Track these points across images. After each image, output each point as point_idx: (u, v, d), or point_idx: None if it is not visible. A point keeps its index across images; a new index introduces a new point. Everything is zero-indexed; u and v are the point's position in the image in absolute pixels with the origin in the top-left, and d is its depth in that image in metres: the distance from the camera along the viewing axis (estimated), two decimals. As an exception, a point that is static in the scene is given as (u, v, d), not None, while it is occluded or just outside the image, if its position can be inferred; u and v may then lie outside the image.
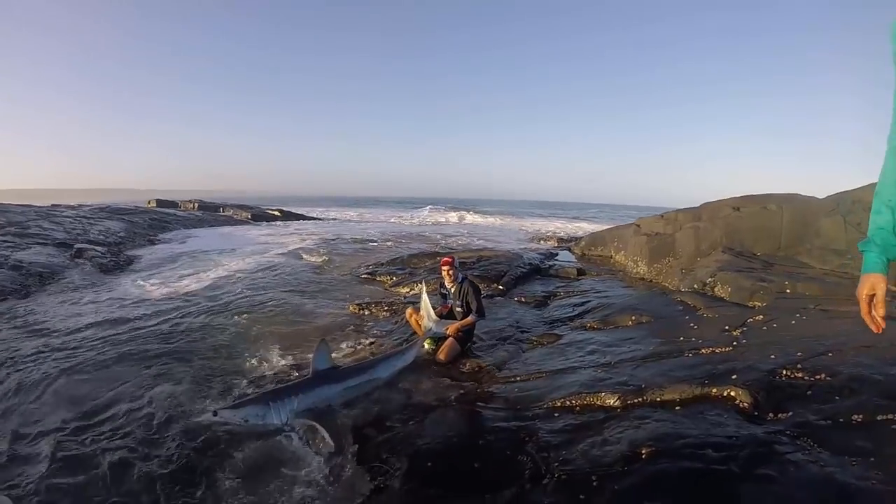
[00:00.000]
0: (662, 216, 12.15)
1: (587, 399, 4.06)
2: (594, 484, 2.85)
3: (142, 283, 10.27)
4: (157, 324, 7.11)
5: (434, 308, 6.07)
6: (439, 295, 6.30)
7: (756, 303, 6.75)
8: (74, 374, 5.19)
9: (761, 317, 5.71)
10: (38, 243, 12.27)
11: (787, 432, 3.19)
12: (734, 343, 4.86)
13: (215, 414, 4.05)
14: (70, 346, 6.11)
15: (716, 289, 7.70)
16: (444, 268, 6.07)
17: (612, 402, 3.96)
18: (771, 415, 3.46)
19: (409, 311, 6.51)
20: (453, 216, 39.46)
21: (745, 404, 3.60)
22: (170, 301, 8.58)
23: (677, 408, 3.75)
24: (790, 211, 9.78)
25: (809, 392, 3.64)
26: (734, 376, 3.95)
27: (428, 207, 50.09)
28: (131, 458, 3.64)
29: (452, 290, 6.08)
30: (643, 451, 3.08)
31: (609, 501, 2.67)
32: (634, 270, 11.02)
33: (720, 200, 11.17)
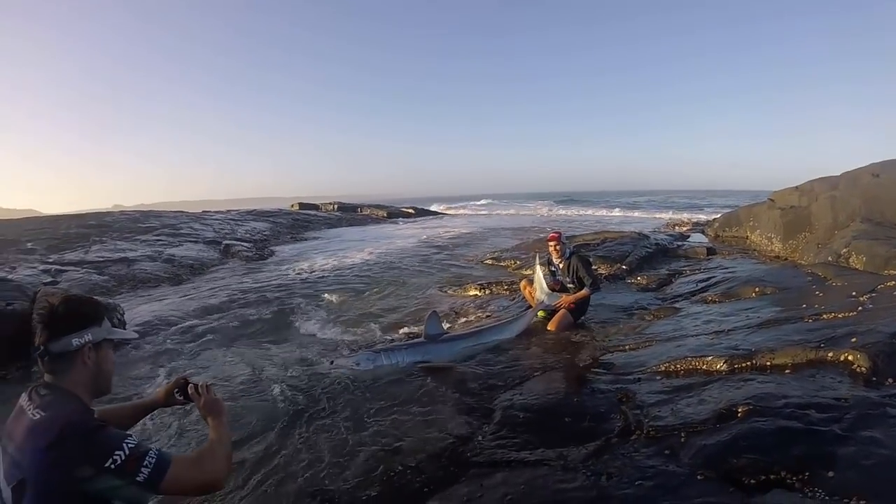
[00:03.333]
0: (797, 188, 11.08)
1: (692, 363, 3.96)
2: (681, 439, 2.83)
3: (284, 267, 11.59)
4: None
5: (546, 283, 6.12)
6: (548, 271, 6.31)
7: (891, 270, 6.08)
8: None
9: (894, 283, 5.16)
10: (190, 241, 14.01)
11: (906, 396, 2.98)
12: (859, 308, 4.46)
13: (332, 363, 4.77)
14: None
15: (850, 259, 7.00)
16: (551, 243, 6.07)
17: (718, 366, 3.83)
18: (891, 380, 3.20)
19: (523, 282, 6.62)
20: (581, 210, 38.22)
21: (863, 368, 3.34)
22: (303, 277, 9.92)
23: (787, 371, 3.57)
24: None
25: (940, 356, 3.33)
26: (853, 339, 3.66)
27: (546, 203, 49.21)
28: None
29: (561, 265, 6.08)
30: (739, 410, 2.99)
31: (695, 456, 2.65)
32: (768, 248, 10.21)
33: (859, 168, 10.04)
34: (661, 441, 2.89)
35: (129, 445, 1.47)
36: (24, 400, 1.57)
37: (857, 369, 3.36)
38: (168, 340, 6.25)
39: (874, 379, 3.24)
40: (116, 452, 1.44)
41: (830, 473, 2.42)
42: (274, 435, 3.72)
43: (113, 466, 1.43)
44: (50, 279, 9.08)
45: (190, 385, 1.92)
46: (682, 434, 2.90)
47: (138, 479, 1.45)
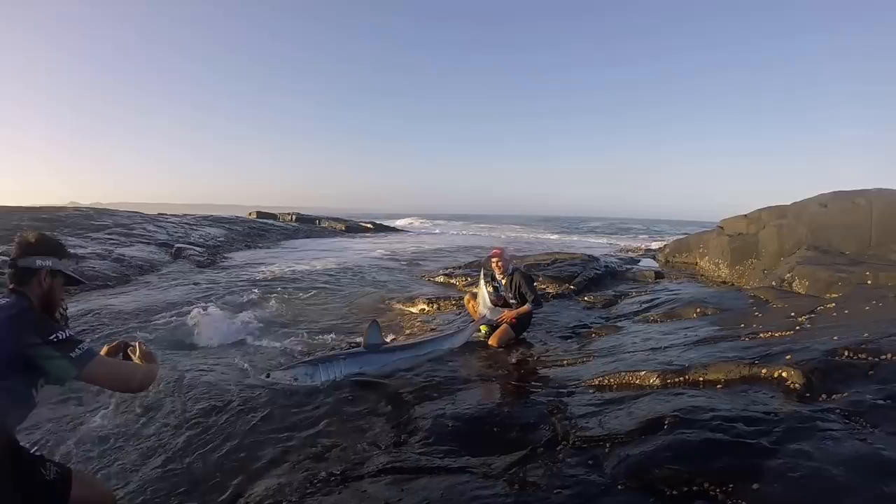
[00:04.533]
0: (746, 216, 11.42)
1: (625, 378, 3.91)
2: (606, 449, 2.75)
3: (232, 272, 11.39)
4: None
5: (489, 298, 6.06)
6: (492, 287, 6.24)
7: (833, 294, 6.23)
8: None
9: (833, 305, 5.27)
10: (142, 242, 13.58)
11: (838, 410, 2.92)
12: (797, 328, 4.52)
13: (268, 376, 4.51)
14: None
15: (794, 284, 7.21)
16: (494, 259, 6.02)
17: (651, 380, 3.78)
18: (824, 396, 3.18)
19: (467, 297, 6.56)
20: (546, 235, 38.25)
21: (796, 385, 3.30)
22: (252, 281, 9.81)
23: (719, 387, 3.54)
24: (881, 205, 8.90)
25: (871, 372, 3.32)
26: (788, 356, 3.66)
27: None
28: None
29: (503, 282, 6.03)
30: (665, 422, 2.93)
31: (618, 466, 2.58)
32: (716, 273, 10.44)
33: (807, 199, 10.39)
34: (585, 451, 2.81)
35: (69, 333, 1.94)
36: None
37: (791, 385, 3.33)
38: (101, 341, 5.93)
39: (807, 395, 3.21)
40: (60, 332, 1.89)
41: (755, 485, 2.35)
42: (190, 440, 3.60)
43: (55, 340, 1.85)
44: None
45: (130, 347, 2.31)
46: (607, 445, 2.83)
47: (71, 355, 1.85)
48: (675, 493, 2.40)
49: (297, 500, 2.71)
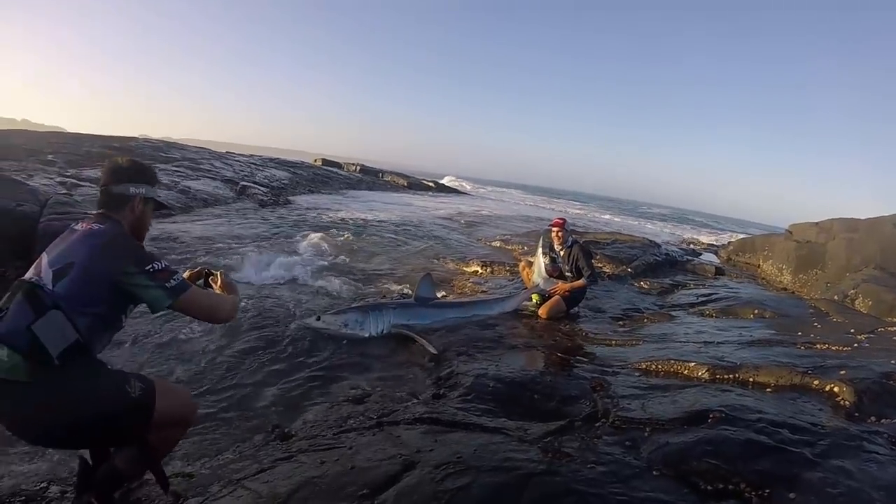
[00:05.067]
0: (817, 224, 10.86)
1: (673, 366, 3.88)
2: (645, 433, 2.75)
3: (296, 213, 11.80)
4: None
5: (545, 268, 6.03)
6: (549, 258, 6.19)
7: (895, 318, 5.94)
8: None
9: (895, 329, 5.03)
10: (208, 177, 13.95)
11: (885, 435, 2.85)
12: (854, 345, 4.36)
13: (318, 318, 4.60)
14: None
15: (856, 301, 6.93)
16: (554, 229, 5.92)
17: (699, 373, 3.75)
18: (873, 418, 3.08)
19: (522, 263, 6.57)
20: (605, 215, 37.20)
21: (847, 401, 3.22)
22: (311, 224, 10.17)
23: (768, 390, 3.49)
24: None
25: (928, 400, 3.21)
26: (843, 372, 3.56)
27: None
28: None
29: (562, 253, 5.95)
30: (710, 416, 2.90)
31: (656, 451, 2.57)
32: (778, 278, 10.03)
33: (881, 216, 9.79)
34: (624, 432, 2.81)
35: (166, 263, 1.94)
36: (75, 224, 1.97)
37: (841, 401, 3.25)
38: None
39: (856, 414, 3.13)
40: (157, 262, 1.90)
41: (792, 495, 2.32)
42: (240, 377, 3.83)
43: (151, 270, 1.87)
44: (64, 191, 9.11)
45: (211, 276, 2.36)
46: (647, 429, 2.82)
47: (167, 284, 1.88)
48: (709, 488, 2.39)
49: (331, 437, 2.80)
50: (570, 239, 5.99)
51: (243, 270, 6.29)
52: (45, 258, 1.85)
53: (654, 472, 2.43)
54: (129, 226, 2.03)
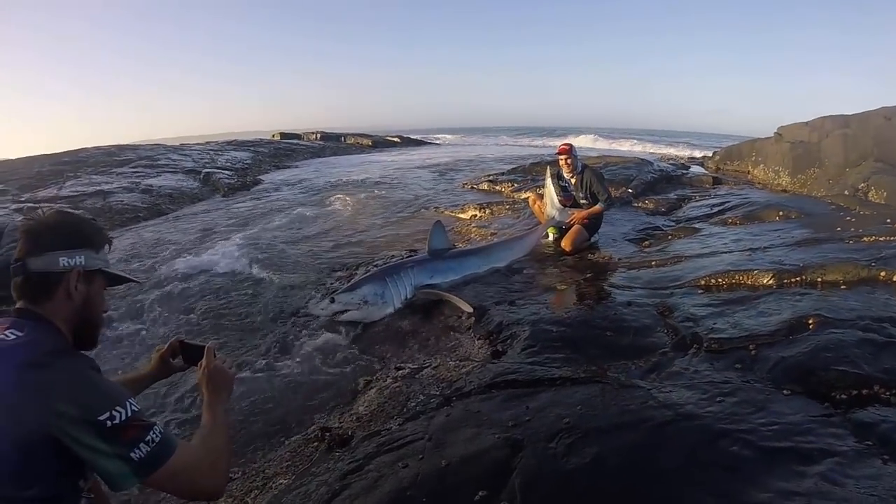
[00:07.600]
0: (807, 123, 10.73)
1: (736, 277, 3.62)
2: (752, 352, 2.47)
3: (267, 192, 11.25)
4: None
5: (558, 198, 5.57)
6: (559, 187, 5.70)
7: (918, 206, 5.82)
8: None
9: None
10: (168, 171, 13.15)
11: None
12: (899, 233, 4.18)
13: (332, 301, 3.96)
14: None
15: (869, 193, 6.74)
16: (562, 157, 5.45)
17: (764, 280, 3.53)
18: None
19: (531, 197, 6.12)
20: (575, 139, 36.74)
21: (918, 290, 3.04)
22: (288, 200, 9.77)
23: (842, 287, 3.29)
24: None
25: None
26: (905, 261, 3.36)
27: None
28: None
29: (573, 181, 5.50)
30: (810, 321, 2.66)
31: (773, 370, 2.30)
32: (775, 181, 9.87)
33: (869, 110, 9.65)
34: (726, 354, 2.53)
35: (134, 408, 1.07)
36: None
37: (913, 290, 3.05)
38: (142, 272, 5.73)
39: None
40: (117, 409, 1.04)
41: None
42: (260, 378, 3.27)
43: (109, 424, 1.02)
44: (22, 218, 8.44)
45: (190, 346, 1.50)
46: (751, 347, 2.54)
47: (132, 455, 1.03)
48: (844, 396, 2.14)
49: (398, 429, 2.27)
50: (580, 164, 5.57)
51: (243, 258, 5.68)
52: None
53: (786, 392, 2.16)
54: (68, 322, 1.21)
